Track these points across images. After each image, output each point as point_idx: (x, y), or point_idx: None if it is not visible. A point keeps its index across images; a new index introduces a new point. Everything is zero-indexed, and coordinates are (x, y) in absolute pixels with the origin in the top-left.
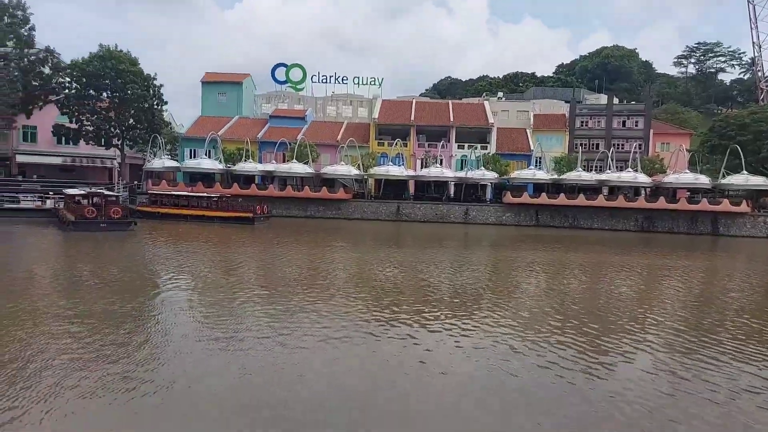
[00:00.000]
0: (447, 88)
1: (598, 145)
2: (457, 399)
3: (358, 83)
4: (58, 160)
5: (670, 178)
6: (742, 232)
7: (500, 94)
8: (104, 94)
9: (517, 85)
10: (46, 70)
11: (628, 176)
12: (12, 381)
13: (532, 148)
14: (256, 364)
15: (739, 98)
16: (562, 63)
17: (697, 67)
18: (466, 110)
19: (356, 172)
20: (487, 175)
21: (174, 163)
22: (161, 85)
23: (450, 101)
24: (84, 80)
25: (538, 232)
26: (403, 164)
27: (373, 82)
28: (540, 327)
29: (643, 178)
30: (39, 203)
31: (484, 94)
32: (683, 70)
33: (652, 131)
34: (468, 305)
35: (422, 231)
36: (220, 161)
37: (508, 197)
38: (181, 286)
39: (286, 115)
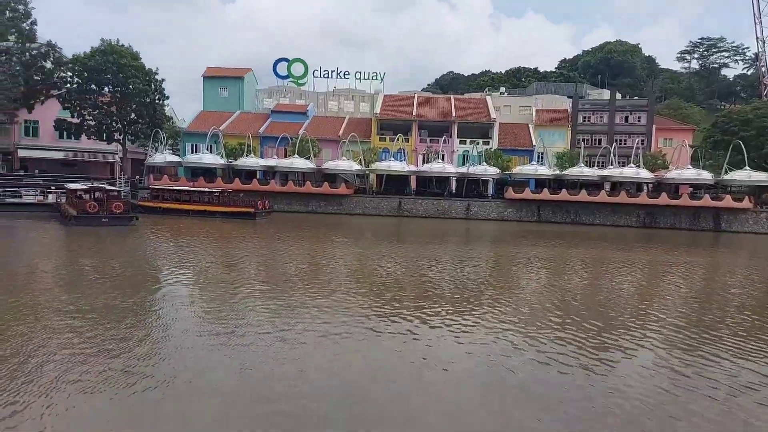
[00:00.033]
0: (449, 83)
1: (600, 140)
2: (458, 395)
3: (360, 78)
4: (59, 155)
5: (673, 174)
6: (744, 228)
7: (502, 89)
8: (106, 89)
9: (519, 80)
10: (48, 65)
11: (631, 172)
12: (13, 375)
13: (534, 143)
14: (256, 359)
15: (743, 94)
16: (565, 58)
17: (700, 62)
18: (468, 105)
19: (358, 167)
20: (489, 171)
21: (176, 158)
22: (163, 80)
23: (452, 96)
24: (85, 75)
25: (539, 228)
26: (404, 159)
27: (375, 77)
28: (541, 323)
29: (645, 174)
30: (41, 198)
31: (487, 89)
32: (686, 65)
33: (654, 127)
34: (469, 301)
35: (424, 226)
36: (222, 156)
37: (510, 193)
38: (182, 281)
39: (287, 110)
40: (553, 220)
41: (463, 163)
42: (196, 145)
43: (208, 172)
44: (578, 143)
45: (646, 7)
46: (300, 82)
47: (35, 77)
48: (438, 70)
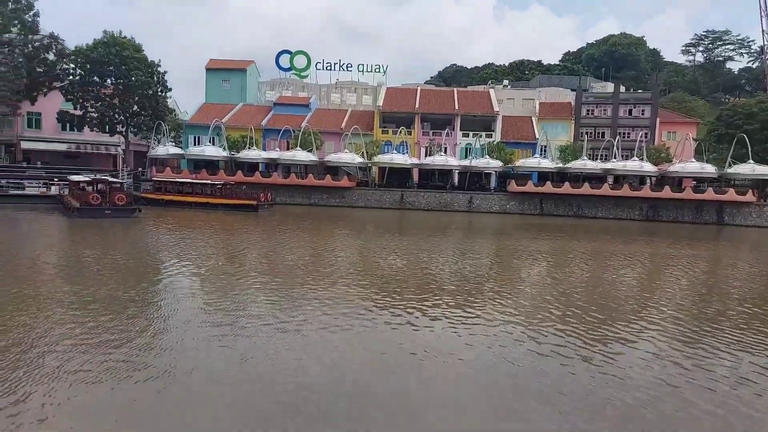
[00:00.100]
0: (452, 76)
1: (603, 133)
2: (458, 387)
3: (363, 71)
4: (62, 147)
5: (676, 167)
6: (747, 222)
7: (506, 82)
8: (108, 81)
9: (523, 73)
10: (51, 57)
11: (634, 165)
12: (15, 365)
13: (537, 136)
14: (257, 351)
15: (747, 87)
16: (569, 51)
17: (705, 55)
18: (471, 98)
19: (360, 160)
20: (492, 164)
21: (178, 150)
22: (165, 72)
23: (455, 89)
24: (88, 67)
25: (542, 221)
26: (407, 152)
27: (377, 70)
28: (541, 315)
29: (648, 167)
30: (44, 190)
31: (490, 81)
32: (691, 58)
33: (658, 120)
34: (470, 293)
35: (426, 219)
36: (224, 148)
37: (513, 186)
38: (184, 272)
39: (290, 103)
40: (556, 214)
41: (466, 156)
42: (198, 138)
43: (210, 165)
44: (581, 136)
45: None
46: (302, 74)
47: (38, 69)
48: (441, 62)
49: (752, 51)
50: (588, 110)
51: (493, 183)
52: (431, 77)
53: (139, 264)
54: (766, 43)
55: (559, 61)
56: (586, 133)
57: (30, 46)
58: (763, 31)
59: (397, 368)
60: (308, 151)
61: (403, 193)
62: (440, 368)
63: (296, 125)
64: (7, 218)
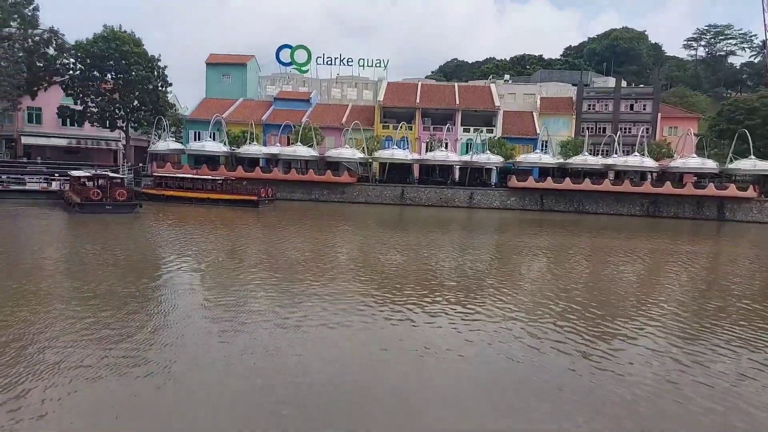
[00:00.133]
0: (453, 71)
1: (604, 128)
2: (458, 383)
3: (364, 65)
4: (63, 142)
5: (677, 163)
6: (748, 218)
7: (507, 76)
8: (108, 76)
9: (524, 67)
10: (51, 51)
11: (635, 160)
12: (15, 361)
13: (538, 131)
14: (257, 347)
15: (749, 82)
16: (570, 45)
17: (707, 50)
18: (472, 93)
19: (361, 155)
20: (493, 159)
21: (178, 146)
22: (165, 67)
23: (456, 84)
24: (88, 61)
25: (542, 217)
26: (407, 148)
27: (378, 64)
28: (541, 311)
29: (649, 163)
30: (45, 185)
31: (491, 76)
32: (693, 52)
33: (659, 115)
34: (470, 289)
35: (426, 215)
36: (225, 144)
37: (513, 181)
38: (184, 268)
39: (290, 98)
40: (557, 209)
41: (467, 152)
42: (198, 133)
43: (211, 160)
44: (582, 131)
45: None
46: (303, 69)
47: (38, 64)
48: (442, 57)
49: (754, 46)
50: (589, 105)
51: (493, 178)
52: (432, 72)
53: (139, 259)
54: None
55: (561, 55)
56: (587, 128)
57: (30, 40)
58: (765, 25)
59: (396, 364)
60: (309, 146)
61: (403, 189)
62: (440, 364)
63: (297, 120)
64: (7, 214)
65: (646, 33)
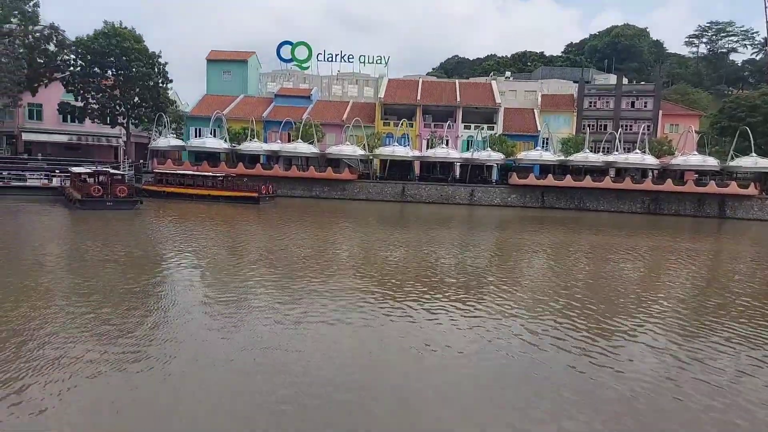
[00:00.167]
0: (454, 67)
1: (606, 126)
2: (458, 381)
3: (364, 62)
4: (63, 138)
5: (678, 160)
6: (749, 215)
7: (508, 73)
8: (109, 72)
9: (525, 64)
10: (51, 48)
11: (636, 158)
12: (15, 356)
13: (539, 128)
14: (257, 343)
15: (751, 79)
16: (572, 42)
17: (708, 47)
18: (473, 90)
19: (361, 152)
20: (493, 156)
21: (179, 142)
22: (166, 63)
23: (457, 81)
24: (89, 58)
25: (543, 214)
26: (408, 145)
27: (379, 61)
28: (541, 308)
29: (650, 160)
30: (45, 181)
31: (492, 73)
32: (694, 50)
33: (661, 112)
34: (471, 287)
35: (427, 212)
36: (225, 140)
37: (514, 179)
38: (185, 264)
39: (291, 94)
40: (557, 207)
41: (468, 149)
42: (199, 129)
43: (211, 157)
44: (583, 129)
45: None
46: (304, 65)
47: (38, 60)
48: (443, 53)
49: (756, 43)
50: (590, 102)
51: (494, 176)
52: (433, 69)
53: (140, 256)
54: None
55: (562, 52)
56: (589, 125)
57: (30, 36)
58: (767, 22)
59: (396, 362)
60: (309, 143)
61: (404, 186)
62: (440, 362)
63: (297, 117)
64: (8, 210)
65: (647, 30)
